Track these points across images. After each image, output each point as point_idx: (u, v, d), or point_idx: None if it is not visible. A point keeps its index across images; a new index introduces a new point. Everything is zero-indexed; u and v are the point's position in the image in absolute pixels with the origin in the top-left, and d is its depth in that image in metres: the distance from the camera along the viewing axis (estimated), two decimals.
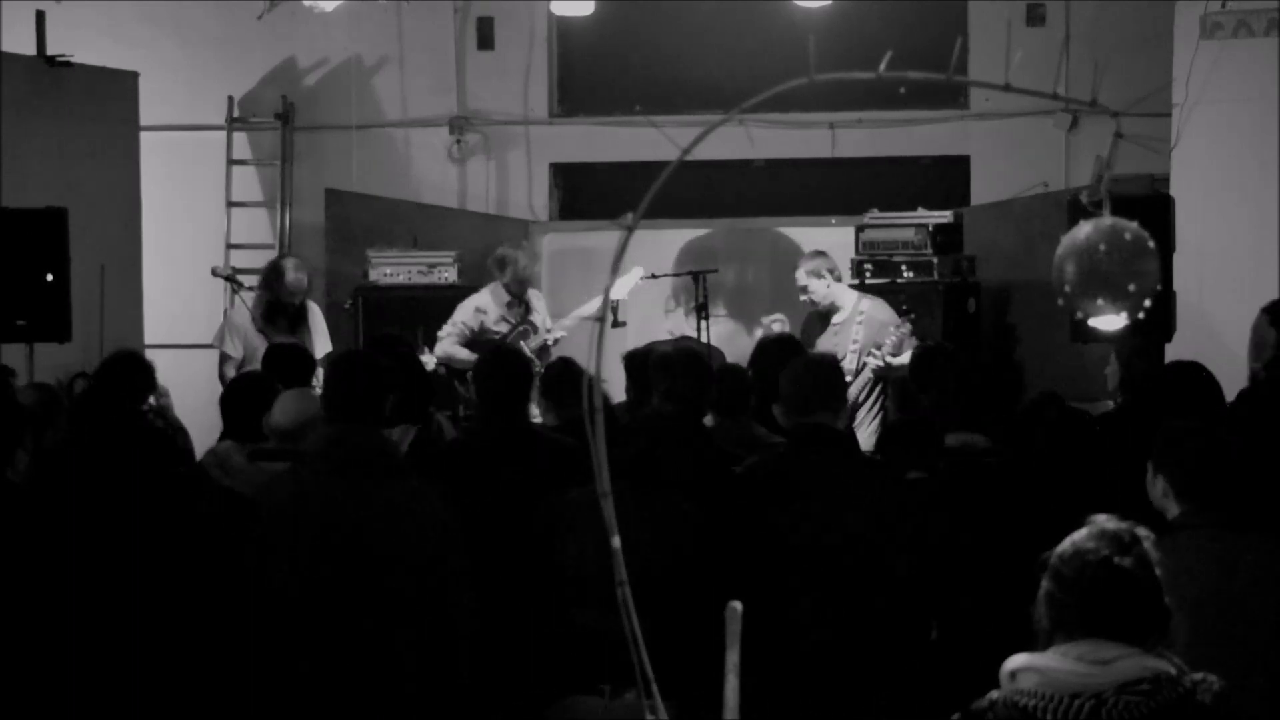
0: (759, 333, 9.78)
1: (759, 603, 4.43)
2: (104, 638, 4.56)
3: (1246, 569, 3.93)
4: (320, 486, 4.29)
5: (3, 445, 4.78)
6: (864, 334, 8.41)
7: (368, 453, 4.32)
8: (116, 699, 4.55)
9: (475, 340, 9.01)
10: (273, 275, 9.06)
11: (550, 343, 9.11)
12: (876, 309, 8.58)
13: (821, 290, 8.55)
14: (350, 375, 4.47)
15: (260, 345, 8.60)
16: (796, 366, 5.05)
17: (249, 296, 9.20)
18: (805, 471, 4.78)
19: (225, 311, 9.48)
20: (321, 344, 8.98)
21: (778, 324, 9.51)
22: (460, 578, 4.36)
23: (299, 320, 9.00)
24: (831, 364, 5.25)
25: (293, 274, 8.98)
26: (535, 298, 9.40)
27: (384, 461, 4.36)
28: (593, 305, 9.21)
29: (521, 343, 8.88)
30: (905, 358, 8.29)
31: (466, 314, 9.16)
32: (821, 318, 8.66)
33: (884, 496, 4.83)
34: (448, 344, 9.02)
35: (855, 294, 8.76)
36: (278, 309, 8.94)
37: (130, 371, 6.53)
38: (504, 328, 9.10)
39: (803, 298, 8.67)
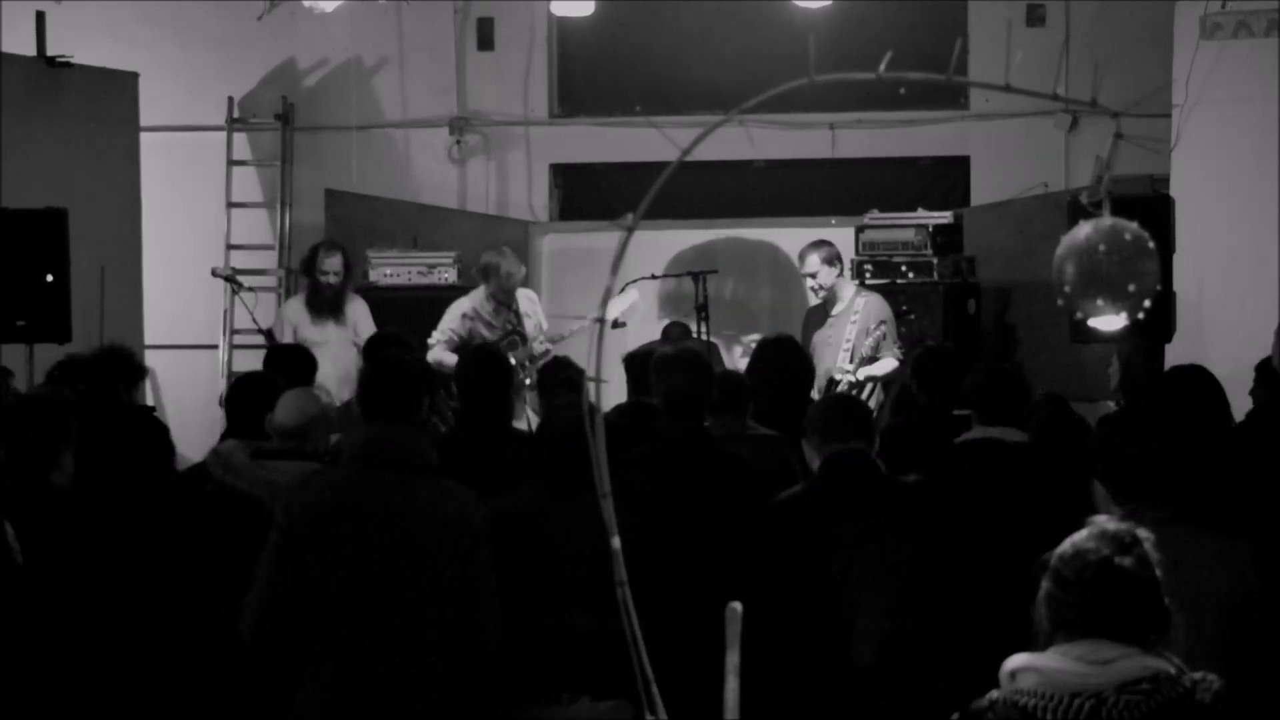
0: (738, 349, 9.85)
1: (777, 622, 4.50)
2: (137, 637, 4.63)
3: (1183, 563, 3.89)
4: (358, 484, 4.34)
5: (49, 449, 4.77)
6: (855, 332, 8.47)
7: (404, 452, 4.37)
8: (132, 699, 4.60)
9: (464, 346, 8.92)
10: (308, 259, 9.48)
11: (540, 354, 8.99)
12: (872, 306, 8.61)
13: (830, 279, 8.62)
14: (387, 376, 4.51)
15: (315, 338, 8.97)
16: (827, 399, 5.36)
17: (248, 298, 9.27)
18: (841, 498, 4.86)
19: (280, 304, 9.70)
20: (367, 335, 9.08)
21: None
22: (485, 580, 4.36)
23: (338, 309, 9.27)
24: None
25: (322, 254, 9.36)
26: (526, 300, 9.31)
27: (418, 461, 4.40)
28: (579, 325, 9.20)
29: (510, 353, 8.84)
30: (884, 363, 8.35)
31: (454, 320, 9.13)
32: (823, 309, 8.71)
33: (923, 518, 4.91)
34: (438, 350, 8.98)
35: (854, 288, 8.81)
36: (315, 290, 9.33)
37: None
38: (493, 334, 9.07)
39: (810, 284, 8.71)
